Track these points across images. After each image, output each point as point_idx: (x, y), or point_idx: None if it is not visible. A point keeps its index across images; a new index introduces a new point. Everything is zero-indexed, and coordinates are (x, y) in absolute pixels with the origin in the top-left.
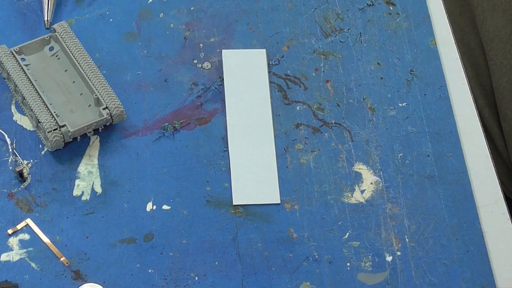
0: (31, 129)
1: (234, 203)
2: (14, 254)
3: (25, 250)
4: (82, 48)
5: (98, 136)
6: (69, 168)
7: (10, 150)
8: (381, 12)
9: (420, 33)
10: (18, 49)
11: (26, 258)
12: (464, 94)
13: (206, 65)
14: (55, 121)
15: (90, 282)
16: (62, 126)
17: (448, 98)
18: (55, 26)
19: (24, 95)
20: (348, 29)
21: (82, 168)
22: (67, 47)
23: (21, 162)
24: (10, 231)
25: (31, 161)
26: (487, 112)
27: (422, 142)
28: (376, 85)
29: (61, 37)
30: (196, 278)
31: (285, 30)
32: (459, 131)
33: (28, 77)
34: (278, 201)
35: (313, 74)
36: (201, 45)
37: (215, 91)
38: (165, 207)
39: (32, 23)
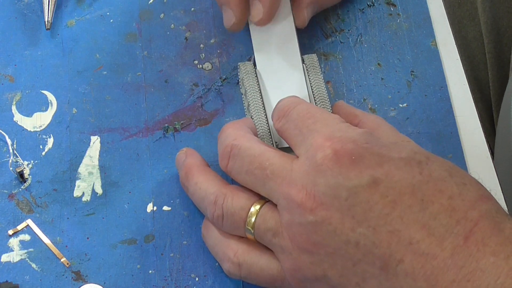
0: (32, 130)
1: None
2: (15, 254)
3: (25, 250)
4: (322, 83)
5: (98, 137)
6: (70, 169)
7: (11, 150)
8: (381, 13)
9: (420, 34)
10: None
11: (27, 259)
12: (465, 95)
13: (207, 66)
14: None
15: (91, 283)
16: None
17: (448, 99)
18: (304, 57)
19: (251, 112)
20: (348, 30)
21: (83, 169)
22: (309, 77)
23: (22, 163)
24: (10, 232)
25: (32, 161)
26: (481, 107)
27: (423, 143)
28: (376, 85)
29: (307, 68)
30: (197, 279)
31: None
32: (459, 132)
33: (260, 94)
34: None
35: None
36: (201, 46)
37: (215, 92)
38: (165, 208)
39: (32, 23)
